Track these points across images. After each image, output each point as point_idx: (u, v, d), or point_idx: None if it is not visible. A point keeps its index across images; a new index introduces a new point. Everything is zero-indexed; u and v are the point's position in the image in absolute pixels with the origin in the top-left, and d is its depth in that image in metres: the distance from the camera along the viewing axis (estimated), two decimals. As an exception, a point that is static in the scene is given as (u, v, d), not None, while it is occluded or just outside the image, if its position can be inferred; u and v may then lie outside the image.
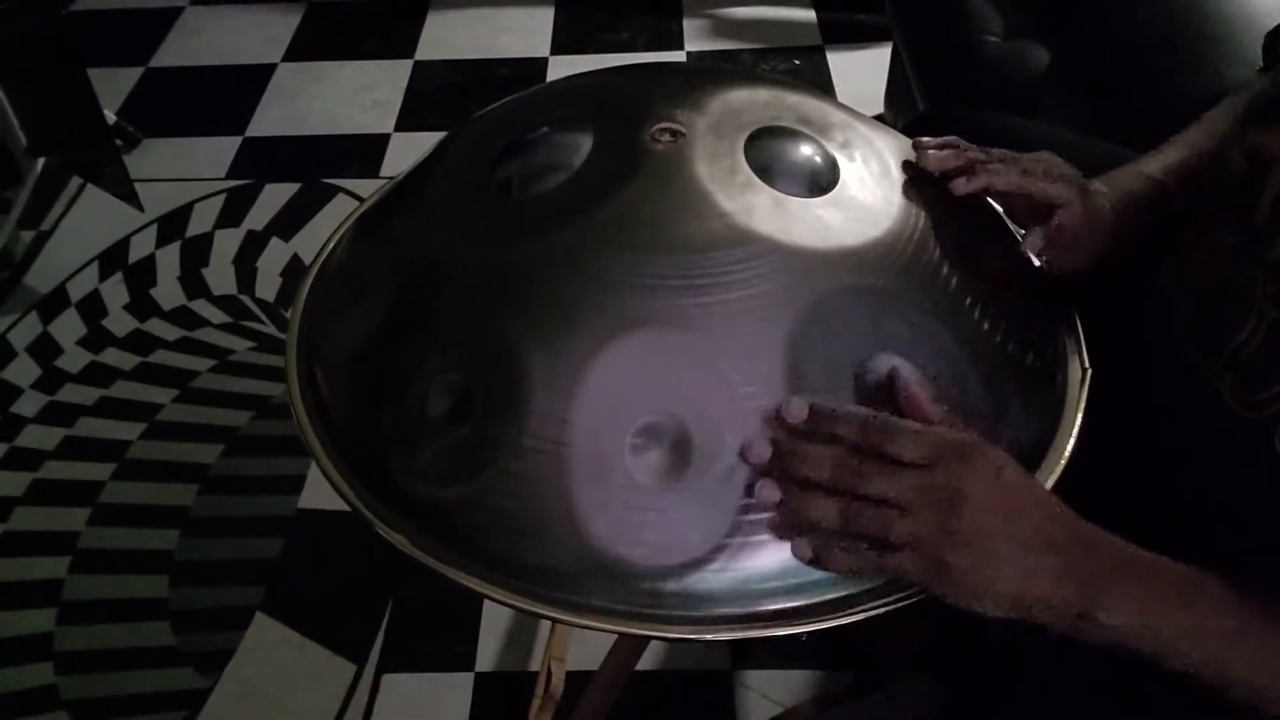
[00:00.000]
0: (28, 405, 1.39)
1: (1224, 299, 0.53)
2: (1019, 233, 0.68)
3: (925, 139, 0.62)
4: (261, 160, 1.79)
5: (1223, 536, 0.55)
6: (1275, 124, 0.53)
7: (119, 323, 1.51)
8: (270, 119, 1.89)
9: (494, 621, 1.12)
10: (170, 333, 1.49)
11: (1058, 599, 0.45)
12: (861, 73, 1.86)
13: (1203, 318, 0.55)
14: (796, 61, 1.95)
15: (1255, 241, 0.52)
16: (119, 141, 1.77)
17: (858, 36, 1.97)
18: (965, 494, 0.46)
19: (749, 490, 0.48)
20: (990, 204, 0.67)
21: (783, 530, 0.48)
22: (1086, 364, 0.61)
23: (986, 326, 0.55)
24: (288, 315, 0.67)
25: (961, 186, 0.60)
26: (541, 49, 2.03)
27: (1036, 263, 0.67)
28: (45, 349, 1.47)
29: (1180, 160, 0.65)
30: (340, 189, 1.71)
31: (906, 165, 0.61)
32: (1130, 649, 0.46)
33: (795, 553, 0.48)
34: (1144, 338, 0.62)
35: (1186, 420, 0.57)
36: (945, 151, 0.61)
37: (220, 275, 1.57)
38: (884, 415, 0.48)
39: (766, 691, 1.04)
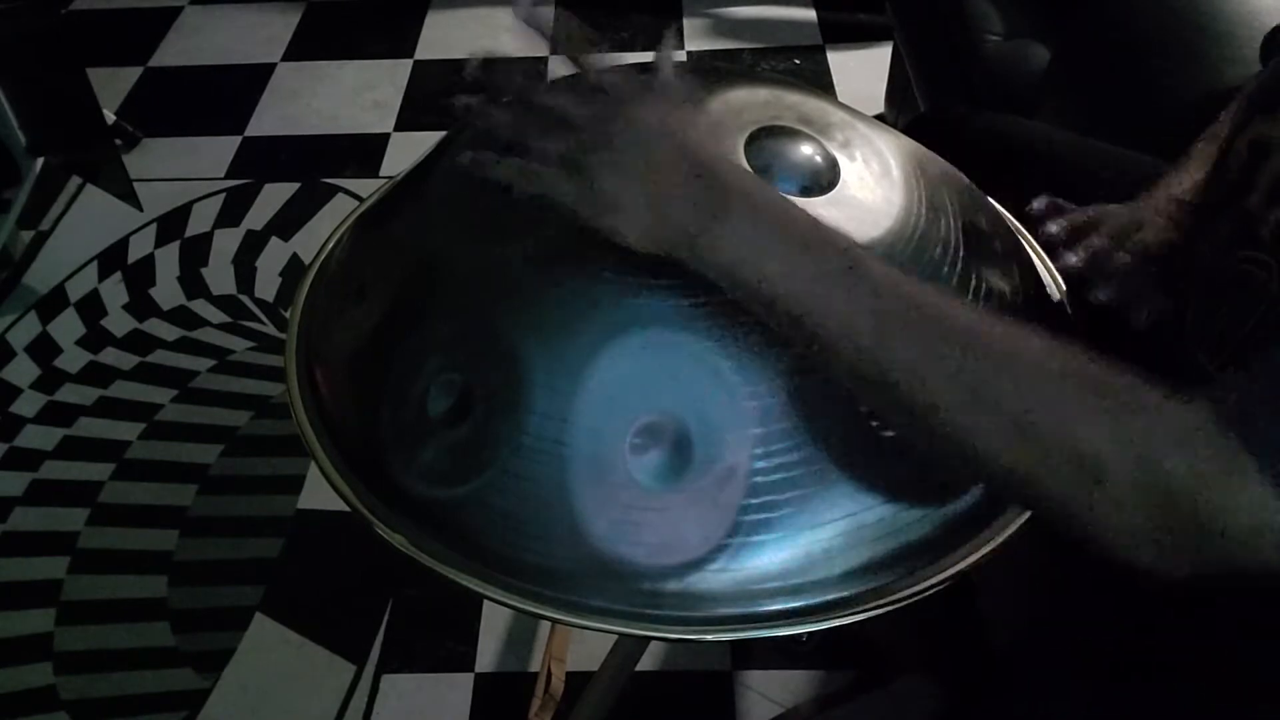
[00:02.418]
0: (27, 405, 1.39)
1: (1228, 289, 0.53)
2: (1022, 233, 0.68)
3: (1035, 207, 0.64)
4: (261, 160, 1.79)
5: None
6: (1276, 113, 0.53)
7: (118, 322, 1.51)
8: (270, 119, 1.89)
9: (494, 621, 1.12)
10: (169, 332, 1.49)
11: (693, 227, 0.45)
12: (862, 72, 1.86)
13: (1209, 310, 0.55)
14: (797, 61, 1.95)
15: (1249, 225, 0.52)
16: (118, 141, 1.77)
17: (858, 36, 1.97)
18: (630, 119, 0.47)
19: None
20: (992, 204, 0.67)
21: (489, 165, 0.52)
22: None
23: (987, 326, 0.55)
24: (287, 315, 0.67)
25: (1067, 260, 0.62)
26: (541, 49, 2.03)
27: (1038, 261, 0.67)
28: (44, 349, 1.47)
29: (1205, 177, 0.65)
30: (340, 189, 1.71)
31: (913, 165, 0.61)
32: (740, 294, 0.45)
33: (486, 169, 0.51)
34: (1144, 331, 0.61)
35: None
36: (1055, 226, 0.63)
37: (219, 275, 1.57)
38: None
39: (766, 692, 1.04)
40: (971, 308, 0.45)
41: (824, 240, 0.45)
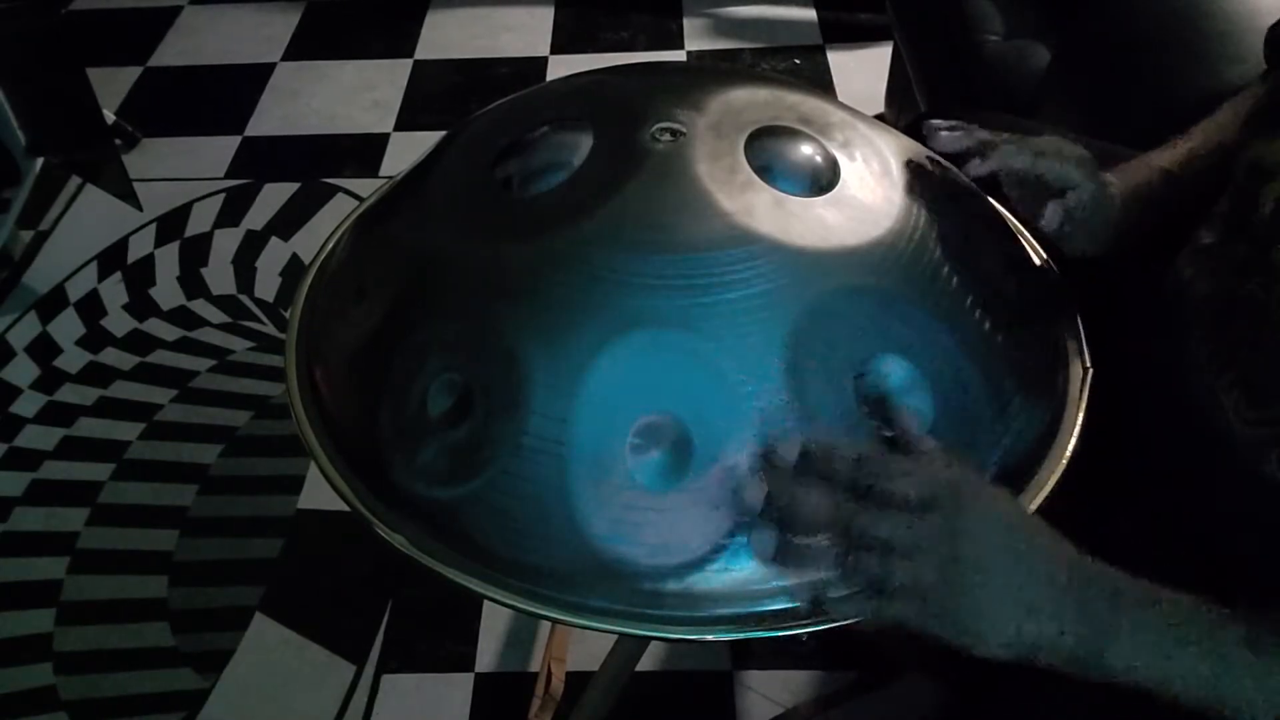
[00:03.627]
0: (27, 405, 1.39)
1: (1237, 309, 0.53)
2: (1021, 231, 0.68)
3: (936, 121, 0.61)
4: (260, 160, 1.79)
5: (1215, 547, 0.55)
6: (1275, 134, 0.53)
7: (118, 322, 1.51)
8: (269, 118, 1.89)
9: (494, 621, 1.12)
10: (169, 333, 1.49)
11: (1063, 641, 0.45)
12: (862, 72, 1.85)
13: (1218, 330, 0.55)
14: (797, 61, 1.95)
15: (1258, 249, 0.52)
16: (118, 141, 1.77)
17: (858, 36, 1.97)
18: (963, 534, 0.45)
19: (743, 522, 0.48)
20: (992, 203, 0.67)
21: (779, 574, 0.48)
22: (1088, 363, 0.61)
23: (987, 326, 0.55)
24: (287, 315, 0.67)
25: (976, 168, 0.59)
26: (541, 48, 2.03)
27: (1038, 260, 0.67)
28: (44, 349, 1.47)
29: (1188, 154, 0.65)
30: (339, 188, 1.71)
31: (914, 164, 0.61)
32: (1141, 687, 0.45)
33: (796, 599, 0.48)
34: (1151, 342, 0.61)
35: (1189, 429, 0.57)
36: (958, 133, 0.61)
37: (219, 275, 1.57)
38: (878, 453, 0.47)
39: (766, 692, 1.04)
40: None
41: (1176, 604, 0.46)
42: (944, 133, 0.60)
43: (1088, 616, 0.45)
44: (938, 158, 0.65)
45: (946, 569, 0.44)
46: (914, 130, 0.68)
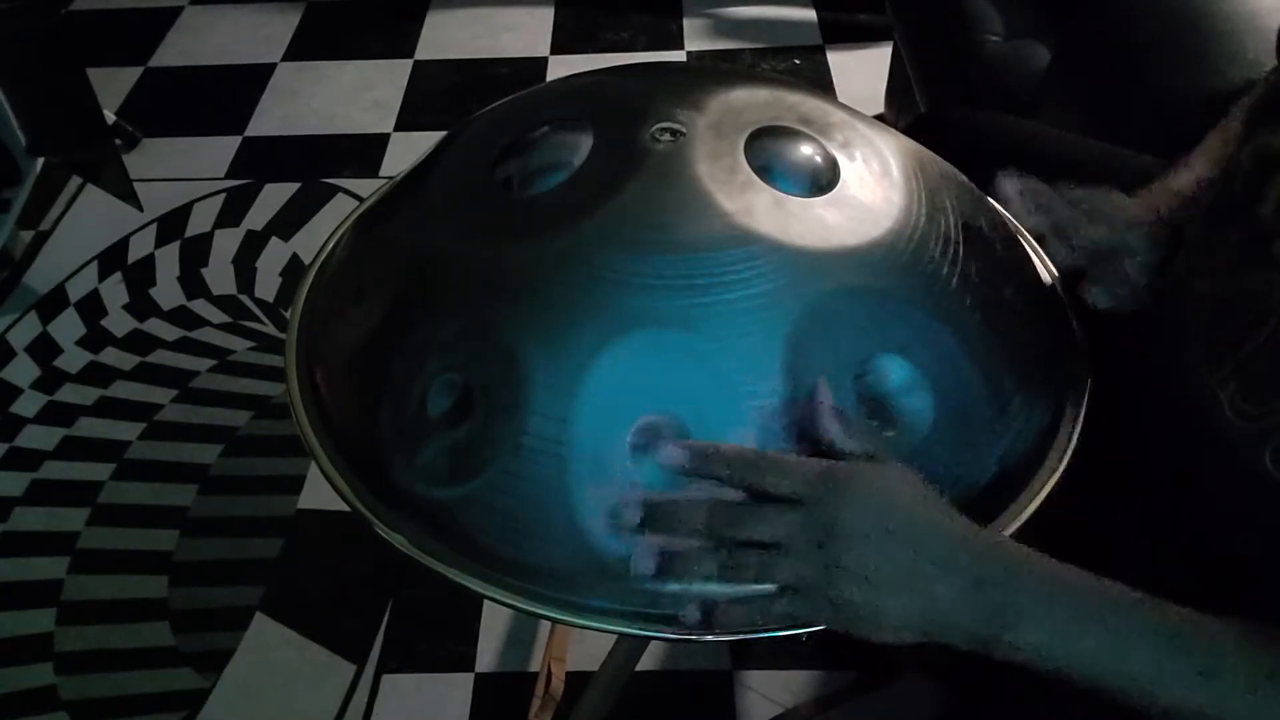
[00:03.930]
0: (27, 405, 1.39)
1: (1239, 304, 0.53)
2: (1021, 232, 0.68)
3: (1003, 185, 0.63)
4: (261, 160, 1.79)
5: (1212, 545, 0.55)
6: None
7: (118, 322, 1.51)
8: (270, 119, 1.89)
9: (494, 621, 1.12)
10: (169, 333, 1.49)
11: (965, 623, 0.44)
12: (862, 72, 1.86)
13: (1215, 323, 0.55)
14: (797, 61, 1.95)
15: (1261, 240, 0.52)
16: (118, 141, 1.77)
17: (858, 36, 1.97)
18: (845, 527, 0.44)
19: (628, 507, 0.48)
20: (992, 204, 0.67)
21: (667, 591, 0.47)
22: (1088, 363, 0.61)
23: (987, 326, 0.55)
24: (287, 315, 0.67)
25: (1064, 260, 0.62)
26: (541, 49, 2.03)
27: (1038, 260, 0.67)
28: (44, 349, 1.47)
29: (1209, 175, 0.65)
30: (340, 189, 1.71)
31: (914, 164, 0.61)
32: (1044, 669, 0.44)
33: (684, 619, 0.47)
34: (1148, 339, 0.61)
35: (1185, 425, 0.57)
36: (1029, 208, 0.62)
37: (219, 275, 1.57)
38: (757, 452, 0.47)
39: (767, 692, 1.04)
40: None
41: (1081, 588, 0.45)
42: (1025, 210, 0.62)
43: (982, 598, 0.44)
44: (938, 158, 0.65)
45: (826, 563, 0.44)
46: (914, 130, 0.69)
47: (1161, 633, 0.44)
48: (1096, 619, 0.44)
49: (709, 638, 0.49)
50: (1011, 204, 0.61)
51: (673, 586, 0.47)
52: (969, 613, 0.44)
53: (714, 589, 0.47)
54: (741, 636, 0.49)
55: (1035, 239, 0.64)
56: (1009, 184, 0.62)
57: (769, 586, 0.46)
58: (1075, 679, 0.44)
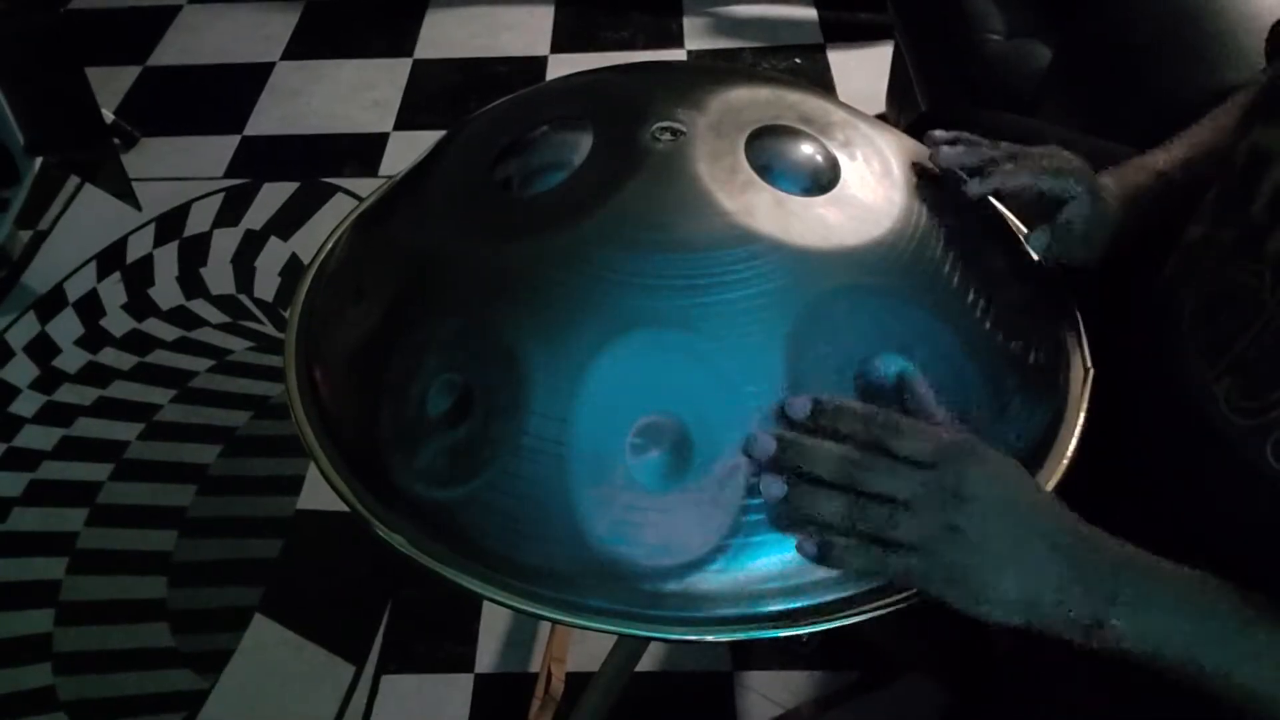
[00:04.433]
0: (25, 405, 1.39)
1: (1231, 301, 0.53)
2: (1022, 231, 0.68)
3: (937, 133, 0.62)
4: (260, 159, 1.79)
5: (1213, 544, 0.55)
6: (1277, 119, 0.53)
7: (117, 322, 1.51)
8: (269, 118, 1.89)
9: (494, 622, 1.12)
10: (168, 332, 1.49)
11: (1066, 602, 0.45)
12: (863, 71, 1.85)
13: (1208, 319, 0.55)
14: (797, 60, 1.95)
15: (1253, 236, 0.52)
16: (117, 140, 1.77)
17: (859, 35, 1.97)
18: (971, 494, 0.45)
19: (750, 490, 0.48)
20: (993, 203, 0.67)
21: (786, 526, 0.48)
22: (1089, 363, 0.61)
23: (988, 326, 0.55)
24: (286, 315, 0.66)
25: (975, 189, 0.60)
26: (541, 48, 2.03)
27: (1039, 260, 0.67)
28: (43, 349, 1.47)
29: (1185, 155, 0.65)
30: (339, 188, 1.70)
31: (914, 164, 0.61)
32: (1145, 657, 0.45)
33: (800, 549, 0.48)
34: (1144, 338, 0.61)
35: (1183, 424, 0.57)
36: (958, 148, 0.61)
37: (218, 275, 1.57)
38: (890, 412, 0.48)
39: (767, 692, 1.04)
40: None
41: (1179, 577, 0.47)
42: (945, 148, 0.61)
43: (1087, 580, 0.45)
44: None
45: (949, 526, 0.45)
46: (915, 130, 0.68)
47: (1259, 621, 0.45)
48: (1195, 607, 0.45)
49: (709, 639, 0.49)
50: (943, 145, 0.61)
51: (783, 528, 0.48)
52: (1075, 595, 0.45)
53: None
54: (742, 637, 0.49)
55: (957, 177, 0.63)
56: (942, 132, 0.62)
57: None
58: (1170, 665, 0.45)
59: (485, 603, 0.66)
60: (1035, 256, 0.67)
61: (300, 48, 2.07)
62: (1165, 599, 0.46)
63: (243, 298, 1.53)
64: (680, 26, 2.06)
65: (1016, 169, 0.60)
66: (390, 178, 0.71)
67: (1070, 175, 0.61)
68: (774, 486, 0.47)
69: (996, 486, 0.46)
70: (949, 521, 0.45)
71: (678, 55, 1.99)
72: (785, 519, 0.48)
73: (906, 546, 0.46)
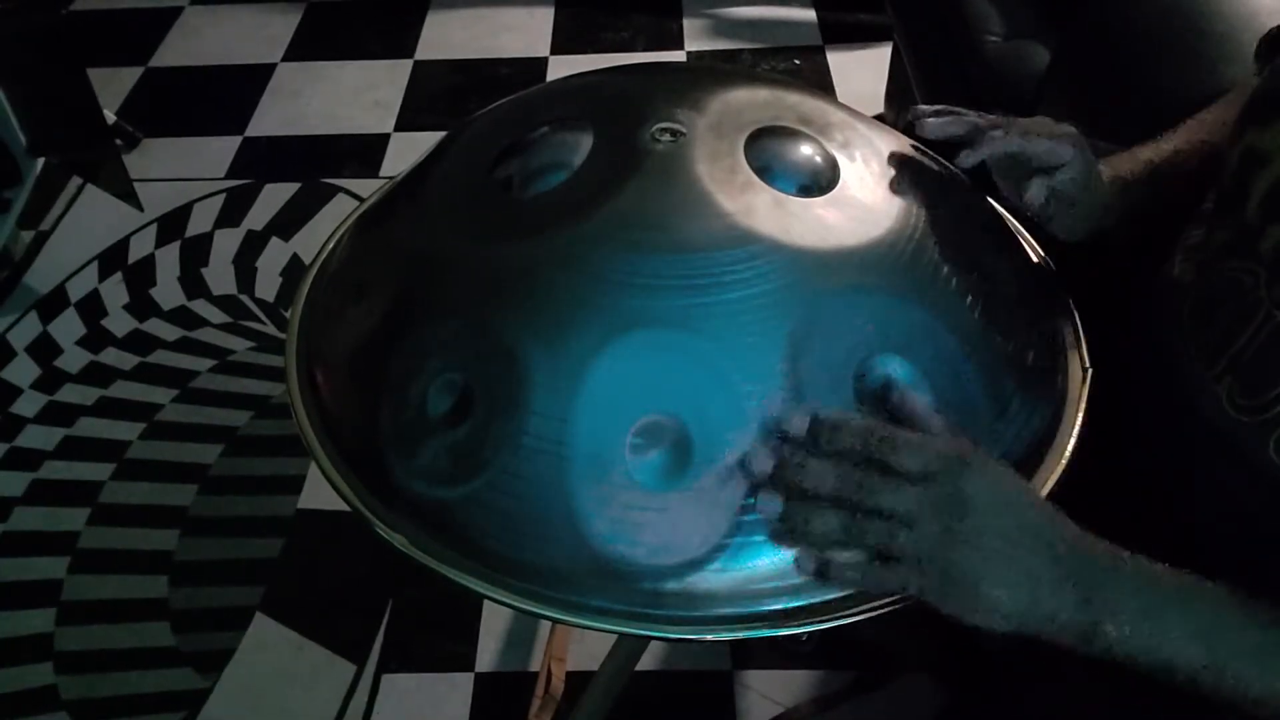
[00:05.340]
0: (27, 405, 1.39)
1: (1227, 301, 0.53)
2: (1021, 231, 0.68)
3: (922, 107, 0.61)
4: (261, 160, 1.79)
5: (1214, 541, 0.55)
6: (1269, 122, 0.53)
7: (118, 323, 1.51)
8: (270, 119, 1.89)
9: (494, 621, 1.12)
10: (170, 333, 1.49)
11: (1065, 610, 0.45)
12: (862, 72, 1.86)
13: (1205, 319, 0.55)
14: (797, 61, 1.95)
15: (1247, 236, 0.52)
16: (118, 141, 1.77)
17: (858, 36, 1.97)
18: (968, 505, 0.45)
19: (750, 490, 0.48)
20: (992, 203, 0.67)
21: (785, 542, 0.48)
22: (1087, 364, 0.61)
23: (987, 326, 0.55)
24: (287, 315, 0.67)
25: (967, 159, 0.59)
26: (541, 49, 2.03)
27: (1037, 260, 0.67)
28: (45, 349, 1.47)
29: (1173, 148, 0.65)
30: (340, 189, 1.71)
31: (911, 162, 0.61)
32: (1140, 662, 0.46)
33: (799, 567, 0.48)
34: (1143, 339, 0.62)
35: (1183, 423, 0.57)
36: (944, 119, 0.60)
37: (220, 275, 1.57)
38: (886, 426, 0.48)
39: (767, 692, 1.04)
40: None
41: (1172, 583, 0.47)
42: (931, 120, 0.60)
43: (1083, 590, 0.45)
44: (938, 157, 0.65)
45: (947, 538, 0.45)
46: (913, 130, 0.68)
47: (1253, 625, 0.45)
48: (1189, 611, 0.46)
49: (709, 638, 0.49)
50: (929, 118, 0.60)
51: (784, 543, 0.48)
52: (1070, 605, 0.45)
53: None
54: (742, 636, 0.49)
55: (950, 149, 0.62)
56: (928, 106, 0.61)
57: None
58: (1169, 672, 0.45)
59: (485, 602, 0.66)
60: (1034, 254, 0.67)
61: (301, 49, 2.07)
62: (1161, 607, 0.46)
63: (244, 298, 1.53)
64: (680, 27, 2.06)
65: (1006, 136, 0.59)
66: (391, 178, 0.72)
67: (1062, 139, 0.59)
68: (771, 504, 0.47)
69: (994, 497, 0.46)
70: (947, 535, 0.45)
71: (678, 56, 1.99)
72: (784, 535, 0.48)
73: (905, 560, 0.46)
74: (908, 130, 0.65)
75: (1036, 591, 0.45)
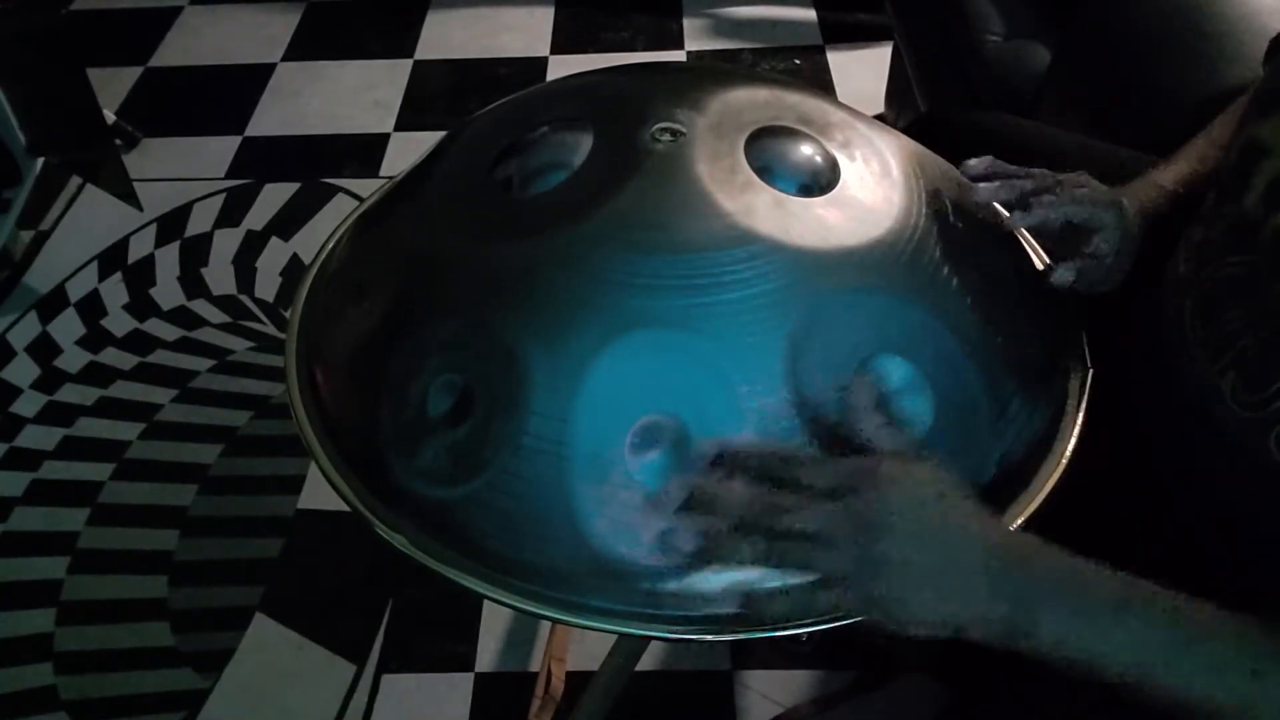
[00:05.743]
0: (27, 405, 1.39)
1: (1228, 296, 0.53)
2: (1019, 230, 0.68)
3: (972, 163, 0.62)
4: (261, 160, 1.79)
5: (1217, 540, 0.55)
6: (1270, 114, 0.53)
7: (118, 322, 1.51)
8: (270, 119, 1.89)
9: (494, 621, 1.12)
10: (169, 333, 1.49)
11: (989, 617, 0.45)
12: (862, 72, 1.86)
13: (1209, 316, 0.55)
14: (797, 61, 1.95)
15: (1246, 228, 0.52)
16: (118, 141, 1.77)
17: (858, 36, 1.97)
18: (884, 520, 0.45)
19: (670, 489, 0.48)
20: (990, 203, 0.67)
21: (710, 570, 0.48)
22: (1088, 363, 0.61)
23: (987, 326, 0.55)
24: (287, 315, 0.67)
25: (1016, 223, 0.60)
26: (541, 48, 2.03)
27: (1037, 260, 0.67)
28: (44, 349, 1.47)
29: (1190, 169, 0.65)
30: (340, 189, 1.71)
31: (911, 162, 0.61)
32: (1067, 662, 0.45)
33: (723, 605, 0.48)
34: (1145, 337, 0.62)
35: (1184, 422, 0.57)
36: (995, 184, 0.61)
37: (220, 275, 1.57)
38: (788, 446, 0.48)
39: (767, 692, 1.04)
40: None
41: (1102, 583, 0.46)
42: (982, 186, 0.61)
43: (1011, 596, 0.45)
44: (937, 157, 0.65)
45: (867, 555, 0.45)
46: (914, 130, 0.69)
47: (1183, 627, 0.45)
48: (1118, 612, 0.45)
49: (709, 638, 0.49)
50: (979, 181, 0.61)
51: (709, 573, 0.48)
52: (993, 606, 0.45)
53: (752, 578, 0.47)
54: (743, 636, 0.49)
55: (1004, 209, 0.63)
56: (976, 162, 0.62)
57: (809, 577, 0.47)
58: (1105, 673, 0.45)
59: (485, 602, 0.66)
60: (1034, 254, 0.67)
61: (301, 49, 2.07)
62: (1095, 610, 0.45)
63: (244, 298, 1.53)
64: (680, 27, 2.06)
65: (1057, 201, 0.60)
66: (391, 178, 0.72)
67: (1103, 206, 0.60)
68: (684, 543, 0.47)
69: (911, 508, 0.46)
70: (866, 550, 0.45)
71: (678, 56, 1.99)
72: (709, 565, 0.48)
73: (826, 580, 0.46)
74: (908, 130, 0.65)
75: (961, 601, 0.45)
